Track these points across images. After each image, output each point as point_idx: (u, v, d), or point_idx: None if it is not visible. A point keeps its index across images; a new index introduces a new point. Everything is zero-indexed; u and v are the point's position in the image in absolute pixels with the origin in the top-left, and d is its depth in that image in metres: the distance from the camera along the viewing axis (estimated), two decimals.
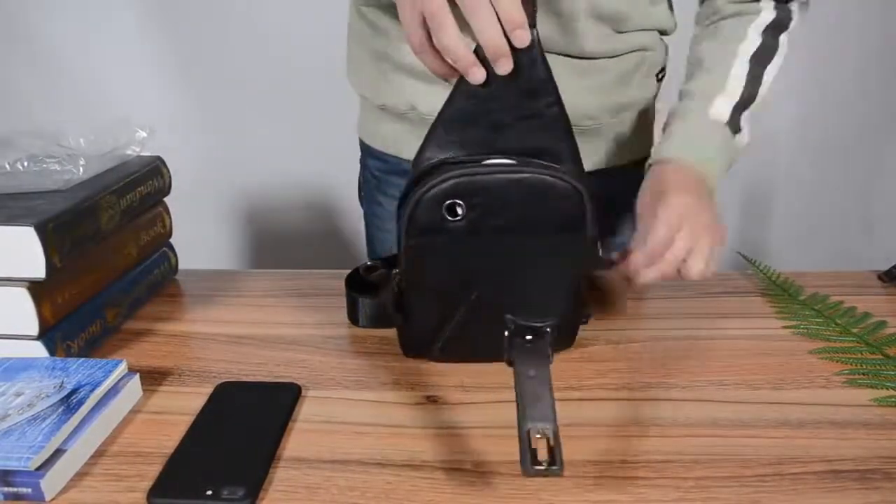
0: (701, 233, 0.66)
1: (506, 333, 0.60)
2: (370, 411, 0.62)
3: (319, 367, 0.69)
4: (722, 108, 0.79)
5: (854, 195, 2.22)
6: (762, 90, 0.81)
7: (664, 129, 0.80)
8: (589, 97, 0.84)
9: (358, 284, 0.74)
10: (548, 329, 0.60)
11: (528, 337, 0.59)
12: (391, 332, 0.76)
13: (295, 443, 0.58)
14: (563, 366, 0.69)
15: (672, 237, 0.65)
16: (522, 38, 0.54)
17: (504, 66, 0.55)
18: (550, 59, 0.59)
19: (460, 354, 0.68)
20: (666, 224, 0.65)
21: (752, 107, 0.81)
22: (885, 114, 2.13)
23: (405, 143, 0.89)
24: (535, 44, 0.57)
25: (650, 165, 0.77)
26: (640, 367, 0.68)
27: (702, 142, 0.77)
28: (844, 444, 0.57)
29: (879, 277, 0.87)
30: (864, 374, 0.66)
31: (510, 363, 0.57)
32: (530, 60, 0.58)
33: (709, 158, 0.75)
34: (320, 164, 2.17)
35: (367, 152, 1.01)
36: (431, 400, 0.64)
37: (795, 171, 2.21)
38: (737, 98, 0.79)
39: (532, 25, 0.55)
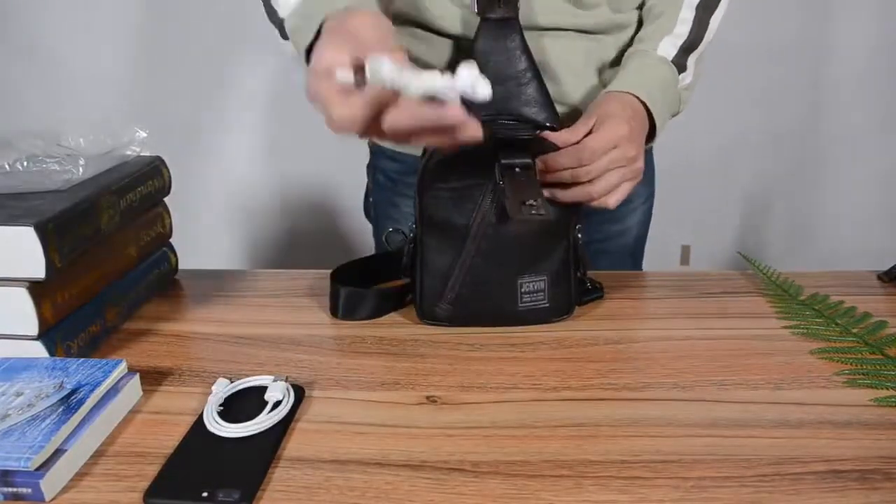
0: (627, 163, 0.73)
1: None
2: (370, 411, 0.62)
3: (319, 367, 0.69)
4: (668, 47, 0.83)
5: (854, 195, 2.22)
6: (707, 35, 0.85)
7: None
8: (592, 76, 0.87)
9: (348, 278, 0.80)
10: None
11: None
12: (391, 332, 0.76)
13: (295, 443, 0.58)
14: (563, 366, 0.69)
15: (606, 150, 0.72)
16: None
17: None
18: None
19: (470, 313, 0.75)
20: (605, 138, 0.72)
21: (699, 50, 0.85)
22: (888, 114, 2.13)
23: None
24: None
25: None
26: (640, 367, 0.68)
27: (646, 77, 0.81)
28: (844, 444, 0.57)
29: (879, 277, 0.87)
30: (864, 374, 0.66)
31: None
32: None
33: (651, 94, 0.79)
34: (321, 165, 2.17)
35: (379, 154, 0.99)
36: (431, 400, 0.64)
37: (795, 171, 2.21)
38: (683, 39, 0.84)
39: None
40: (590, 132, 0.74)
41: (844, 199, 2.22)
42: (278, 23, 0.73)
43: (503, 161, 0.69)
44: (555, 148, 0.72)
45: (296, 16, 0.68)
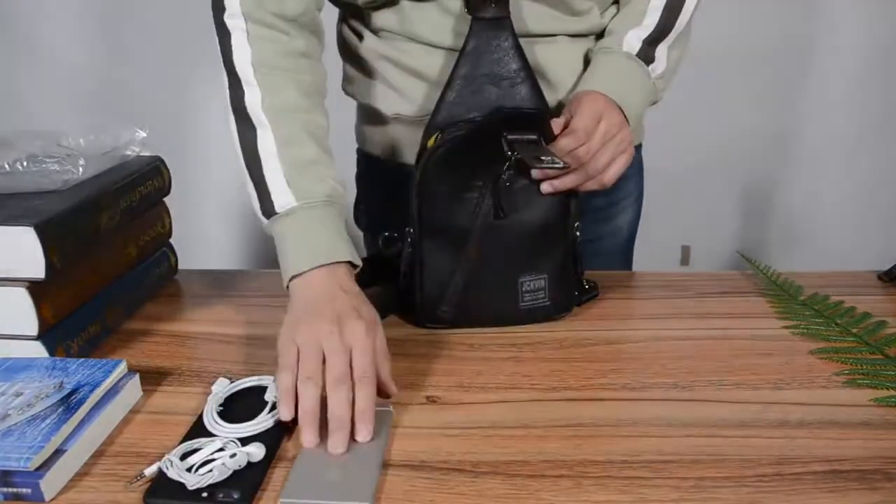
0: (617, 130, 0.74)
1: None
2: None
3: None
4: (633, 41, 0.82)
5: (854, 195, 2.22)
6: (682, 18, 0.83)
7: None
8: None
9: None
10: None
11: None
12: (391, 332, 0.76)
13: (295, 443, 0.58)
14: (563, 366, 0.69)
15: (594, 125, 0.73)
16: (364, 435, 0.57)
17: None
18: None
19: (471, 314, 0.74)
20: (587, 115, 0.74)
21: (671, 36, 0.83)
22: (887, 113, 2.13)
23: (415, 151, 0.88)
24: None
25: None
26: (640, 367, 0.68)
27: (613, 75, 0.80)
28: (844, 444, 0.57)
29: (879, 277, 0.87)
30: (864, 374, 0.66)
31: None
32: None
33: (620, 90, 0.79)
34: None
35: (372, 165, 0.97)
36: (431, 400, 0.64)
37: (795, 171, 2.21)
38: (649, 31, 0.82)
39: None
40: (566, 126, 0.74)
41: (844, 198, 2.22)
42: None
43: (510, 137, 0.69)
44: (552, 134, 0.72)
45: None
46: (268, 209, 0.72)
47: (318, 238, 0.69)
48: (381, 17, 0.83)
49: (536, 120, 0.71)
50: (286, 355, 0.61)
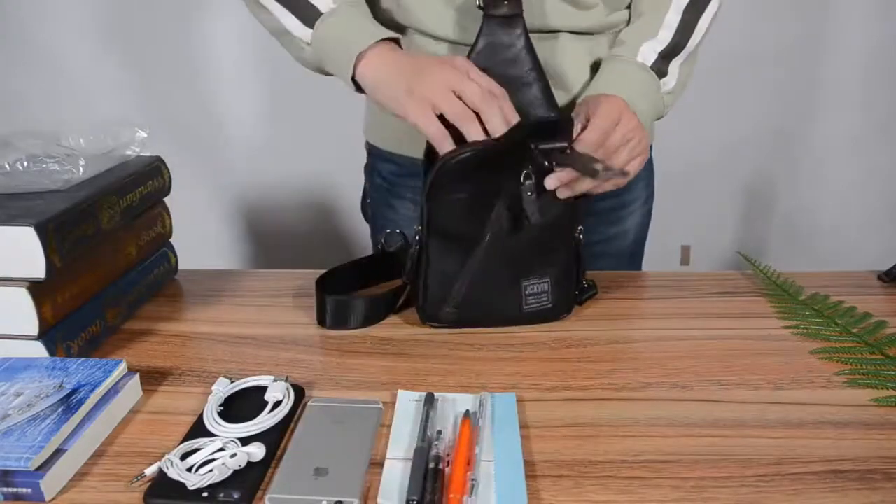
0: (635, 133, 0.75)
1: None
2: None
3: (319, 367, 0.69)
4: (648, 53, 0.82)
5: (855, 195, 2.23)
6: (695, 37, 0.84)
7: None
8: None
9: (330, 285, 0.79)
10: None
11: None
12: (391, 332, 0.76)
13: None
14: (563, 366, 0.69)
15: (611, 127, 0.73)
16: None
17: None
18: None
19: (474, 315, 0.74)
20: (606, 116, 0.73)
21: (683, 53, 0.84)
22: (887, 114, 2.13)
23: (420, 143, 0.88)
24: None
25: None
26: (640, 367, 0.68)
27: (626, 83, 0.80)
28: (844, 444, 0.57)
29: (879, 277, 0.87)
30: (864, 374, 0.66)
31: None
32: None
33: (632, 98, 0.78)
34: (320, 165, 2.17)
35: (377, 157, 0.99)
36: None
37: (795, 171, 2.21)
38: (664, 45, 0.82)
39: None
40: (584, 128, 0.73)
41: (844, 199, 2.23)
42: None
43: (541, 147, 0.69)
44: (570, 133, 0.71)
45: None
46: (310, 14, 0.77)
47: (367, 23, 0.77)
48: (385, 8, 0.84)
49: (561, 127, 0.71)
50: (416, 107, 0.69)
